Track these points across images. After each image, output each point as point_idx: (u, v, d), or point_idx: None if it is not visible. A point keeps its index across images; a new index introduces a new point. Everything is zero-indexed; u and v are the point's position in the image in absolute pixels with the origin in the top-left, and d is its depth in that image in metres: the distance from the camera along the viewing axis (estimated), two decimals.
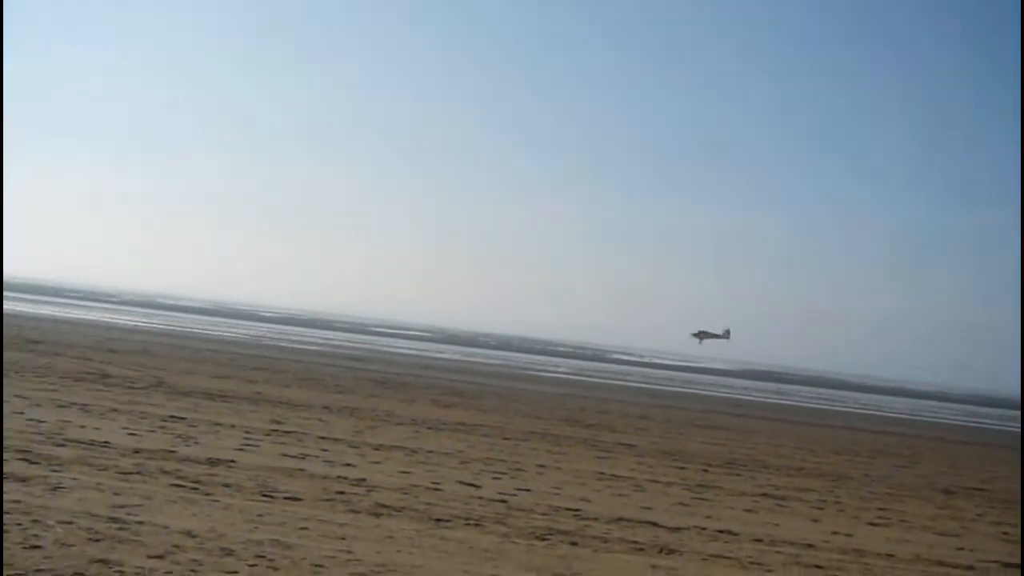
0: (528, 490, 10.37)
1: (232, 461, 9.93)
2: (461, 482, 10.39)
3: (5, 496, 7.14)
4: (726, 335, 45.76)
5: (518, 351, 78.90)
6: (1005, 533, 11.25)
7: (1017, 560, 9.51)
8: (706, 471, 13.82)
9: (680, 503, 10.76)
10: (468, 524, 8.24)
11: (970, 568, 8.92)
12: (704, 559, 7.98)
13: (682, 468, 13.83)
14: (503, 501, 9.51)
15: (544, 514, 9.07)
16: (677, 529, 9.09)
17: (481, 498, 9.55)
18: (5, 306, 50.28)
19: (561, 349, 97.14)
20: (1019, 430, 36.53)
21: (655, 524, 9.21)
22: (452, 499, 9.29)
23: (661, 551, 8.08)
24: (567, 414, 21.25)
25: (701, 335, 45.60)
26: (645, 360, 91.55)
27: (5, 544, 5.88)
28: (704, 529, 9.25)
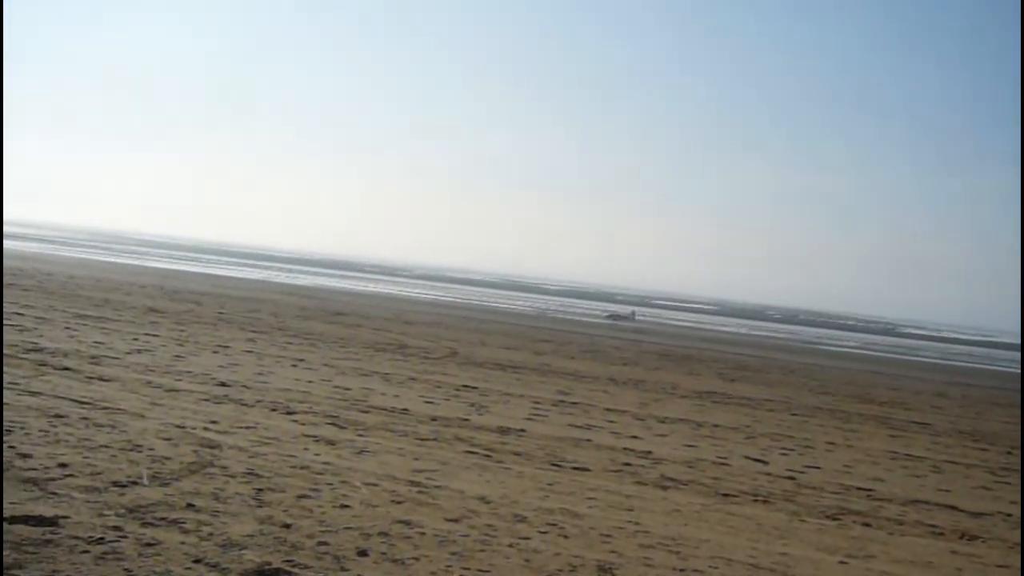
0: (817, 467, 10.09)
1: (522, 430, 10.24)
2: (748, 457, 10.25)
3: (317, 457, 7.69)
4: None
5: (804, 324, 76.72)
6: None
7: None
8: (1010, 453, 12.97)
9: (982, 487, 10.16)
10: (756, 500, 8.12)
11: None
12: (1009, 547, 7.50)
13: (983, 450, 13.04)
14: (792, 478, 9.30)
15: (835, 493, 8.80)
16: (979, 514, 8.58)
17: (769, 474, 9.39)
18: (312, 280, 53.83)
19: (849, 322, 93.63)
20: None
21: (954, 508, 8.74)
22: (739, 474, 9.19)
23: (962, 537, 7.67)
24: (856, 390, 20.48)
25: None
26: (939, 335, 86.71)
27: (319, 502, 6.34)
28: (1009, 516, 8.68)
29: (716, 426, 12.33)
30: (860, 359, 36.11)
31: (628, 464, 9.01)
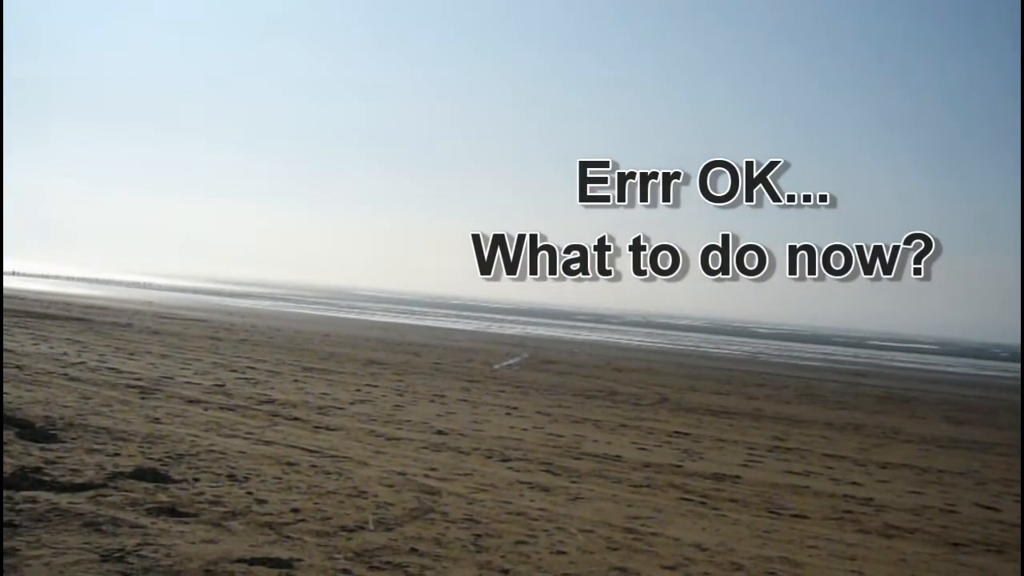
0: None
1: (737, 476, 10.08)
2: (978, 504, 9.74)
3: (533, 504, 7.81)
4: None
5: None
6: None
7: None
8: None
9: None
10: (989, 550, 7.71)
11: None
12: None
13: None
14: None
15: None
16: None
17: (1001, 522, 8.89)
18: (523, 330, 54.71)
19: None
20: None
21: None
22: (969, 522, 8.74)
23: None
24: None
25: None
26: None
27: (536, 548, 6.43)
28: None
29: (942, 471, 11.79)
30: None
31: (849, 511, 8.73)
